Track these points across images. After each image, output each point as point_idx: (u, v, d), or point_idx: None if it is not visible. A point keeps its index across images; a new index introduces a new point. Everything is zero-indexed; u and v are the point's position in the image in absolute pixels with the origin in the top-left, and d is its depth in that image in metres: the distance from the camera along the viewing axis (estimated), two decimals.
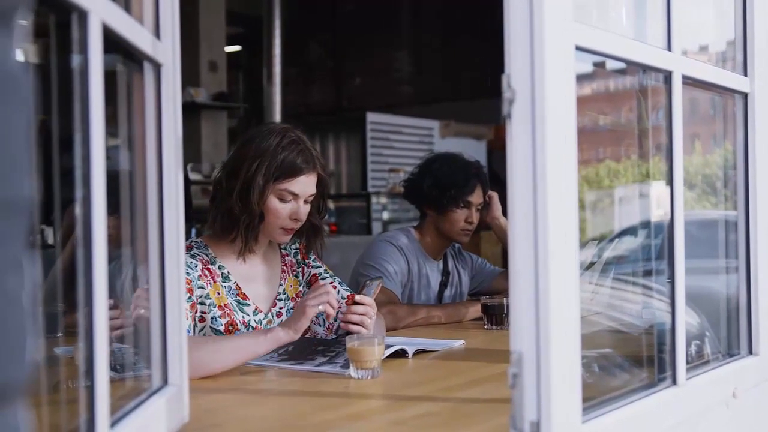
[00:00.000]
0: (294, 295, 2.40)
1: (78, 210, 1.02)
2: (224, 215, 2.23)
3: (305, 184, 2.24)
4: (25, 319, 0.58)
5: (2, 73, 0.55)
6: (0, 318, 0.55)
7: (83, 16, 1.00)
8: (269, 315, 2.31)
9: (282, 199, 2.22)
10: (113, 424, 1.10)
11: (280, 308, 2.35)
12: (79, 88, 1.01)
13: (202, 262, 2.21)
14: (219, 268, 2.25)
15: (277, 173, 2.19)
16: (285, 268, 2.41)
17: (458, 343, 2.38)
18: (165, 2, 1.38)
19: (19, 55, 0.60)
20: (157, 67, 1.36)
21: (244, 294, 2.27)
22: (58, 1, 0.95)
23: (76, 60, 1.02)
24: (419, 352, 2.21)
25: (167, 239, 1.39)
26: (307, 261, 2.46)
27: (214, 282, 2.22)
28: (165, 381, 1.39)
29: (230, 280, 2.25)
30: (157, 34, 1.36)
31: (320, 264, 2.48)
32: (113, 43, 1.12)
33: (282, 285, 2.38)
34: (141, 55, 1.29)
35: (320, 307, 2.02)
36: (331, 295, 2.04)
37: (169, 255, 1.39)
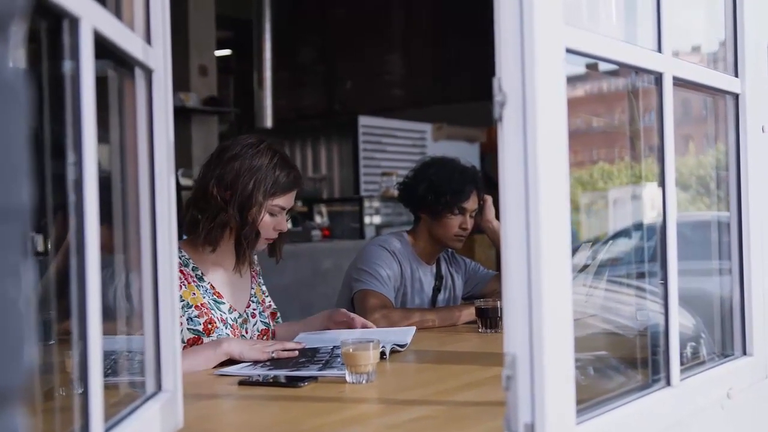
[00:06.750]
0: (260, 301, 2.51)
1: (71, 216, 1.01)
2: (219, 227, 2.30)
3: (292, 198, 2.39)
4: (23, 324, 0.58)
5: (0, 81, 0.55)
6: None
7: (74, 22, 1.00)
8: (244, 315, 2.41)
9: (271, 214, 2.34)
10: (107, 430, 1.10)
11: (254, 309, 2.46)
12: (70, 94, 1.01)
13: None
14: (193, 270, 2.33)
15: (273, 190, 2.31)
16: (254, 274, 2.53)
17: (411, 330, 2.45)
18: (156, 8, 1.38)
19: (15, 62, 0.60)
20: (148, 73, 1.36)
21: (219, 293, 2.35)
22: (49, 7, 0.94)
23: (67, 66, 1.01)
24: (395, 352, 2.24)
25: (160, 246, 1.38)
26: (259, 280, 2.57)
27: (189, 283, 2.29)
28: (159, 387, 1.38)
29: (205, 281, 2.33)
30: (148, 40, 1.36)
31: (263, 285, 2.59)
32: (104, 48, 1.12)
33: (253, 288, 2.49)
34: (132, 61, 1.29)
35: (274, 354, 2.15)
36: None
37: (162, 261, 1.39)
